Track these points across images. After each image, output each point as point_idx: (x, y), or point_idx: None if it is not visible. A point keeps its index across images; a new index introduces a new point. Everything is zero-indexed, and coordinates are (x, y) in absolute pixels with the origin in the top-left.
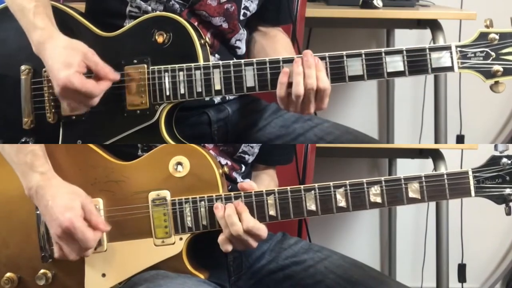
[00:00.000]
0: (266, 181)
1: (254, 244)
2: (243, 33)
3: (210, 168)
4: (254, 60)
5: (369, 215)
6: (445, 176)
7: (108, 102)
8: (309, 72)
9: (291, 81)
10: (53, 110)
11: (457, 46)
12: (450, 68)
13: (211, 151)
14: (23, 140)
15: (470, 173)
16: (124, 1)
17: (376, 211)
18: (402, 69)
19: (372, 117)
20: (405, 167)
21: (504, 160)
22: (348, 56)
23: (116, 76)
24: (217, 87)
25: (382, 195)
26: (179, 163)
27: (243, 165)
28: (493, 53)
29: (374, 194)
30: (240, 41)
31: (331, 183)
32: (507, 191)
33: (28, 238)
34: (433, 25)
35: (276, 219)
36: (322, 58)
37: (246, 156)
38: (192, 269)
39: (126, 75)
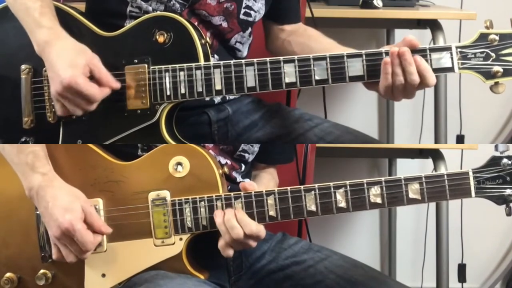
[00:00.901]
0: (266, 179)
1: (253, 244)
2: (245, 36)
3: (210, 168)
4: (255, 60)
5: (369, 215)
6: (446, 177)
7: (108, 102)
8: (410, 69)
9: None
10: (53, 110)
11: (457, 47)
12: (451, 69)
13: (210, 151)
14: (23, 140)
15: (471, 173)
16: (124, 1)
17: (376, 211)
18: None
19: (372, 117)
20: (405, 167)
21: (505, 160)
22: (349, 56)
23: (117, 85)
24: (218, 87)
25: (382, 195)
26: (179, 163)
27: (243, 164)
28: (493, 54)
29: (374, 194)
30: (241, 44)
31: (331, 184)
32: (508, 191)
33: (28, 238)
34: (433, 25)
35: (276, 220)
36: (323, 58)
37: (246, 155)
38: (192, 270)
39: (126, 75)
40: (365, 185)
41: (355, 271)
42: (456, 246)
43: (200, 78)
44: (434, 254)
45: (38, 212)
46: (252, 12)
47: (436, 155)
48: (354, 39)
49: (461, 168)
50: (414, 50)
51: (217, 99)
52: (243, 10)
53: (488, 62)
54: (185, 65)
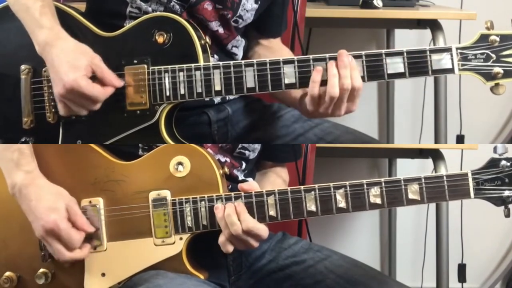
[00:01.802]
0: (272, 178)
1: (255, 244)
2: (240, 40)
3: (211, 168)
4: (255, 61)
5: (369, 215)
6: (445, 178)
7: (108, 102)
8: (344, 72)
9: (323, 79)
10: (53, 110)
11: (457, 48)
12: (451, 70)
13: (210, 149)
14: (22, 140)
15: (470, 175)
16: (124, 1)
17: (376, 212)
18: (402, 70)
19: (372, 117)
20: (405, 167)
21: (503, 162)
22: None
23: (120, 83)
24: (217, 87)
25: (382, 196)
26: (180, 163)
27: (243, 162)
28: (493, 55)
29: (374, 195)
30: (236, 47)
31: (331, 184)
32: (506, 193)
33: (28, 238)
34: (433, 25)
35: (276, 220)
36: (323, 59)
37: (247, 152)
38: (192, 269)
39: (126, 75)
40: (365, 185)
41: (355, 271)
42: (456, 246)
43: (199, 79)
44: (434, 254)
45: None
46: (240, 21)
47: (436, 155)
48: (354, 39)
49: (461, 168)
50: None
51: (217, 99)
52: (234, 18)
53: (489, 63)
54: (184, 65)
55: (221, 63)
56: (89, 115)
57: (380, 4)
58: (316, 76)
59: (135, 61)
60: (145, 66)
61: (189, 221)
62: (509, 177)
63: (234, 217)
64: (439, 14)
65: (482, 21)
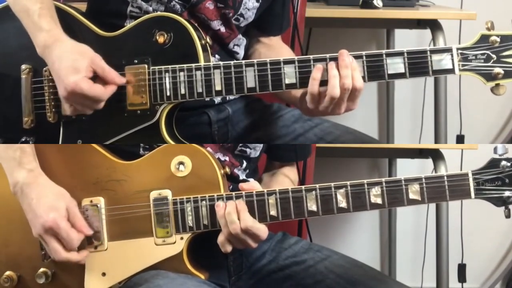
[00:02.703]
0: (280, 178)
1: (253, 244)
2: (241, 39)
3: (212, 168)
4: (255, 61)
5: (369, 215)
6: (445, 178)
7: (108, 102)
8: (345, 72)
9: (323, 79)
10: (53, 110)
11: (458, 49)
12: (451, 71)
13: (209, 148)
14: (23, 140)
15: (470, 175)
16: (125, 1)
17: (376, 211)
18: (403, 71)
19: (372, 117)
20: (405, 167)
21: (504, 162)
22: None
23: (122, 80)
24: (218, 87)
25: (383, 196)
26: (181, 163)
27: (244, 161)
28: (494, 56)
29: (375, 195)
30: (238, 46)
31: (332, 184)
32: (507, 193)
33: (28, 237)
34: (433, 25)
35: (277, 219)
36: (324, 59)
37: (248, 150)
38: (192, 269)
39: (126, 75)
40: (366, 185)
41: (355, 271)
42: (456, 246)
43: (200, 79)
44: (434, 254)
45: None
46: (242, 19)
47: (436, 155)
48: (354, 39)
49: (461, 168)
50: None
51: (217, 99)
52: (235, 16)
53: (489, 64)
54: (185, 65)
55: (221, 63)
56: (91, 114)
57: (380, 4)
58: (316, 73)
59: (136, 61)
60: (146, 66)
61: (190, 220)
62: (509, 177)
63: (234, 215)
64: (439, 14)
65: (482, 21)
